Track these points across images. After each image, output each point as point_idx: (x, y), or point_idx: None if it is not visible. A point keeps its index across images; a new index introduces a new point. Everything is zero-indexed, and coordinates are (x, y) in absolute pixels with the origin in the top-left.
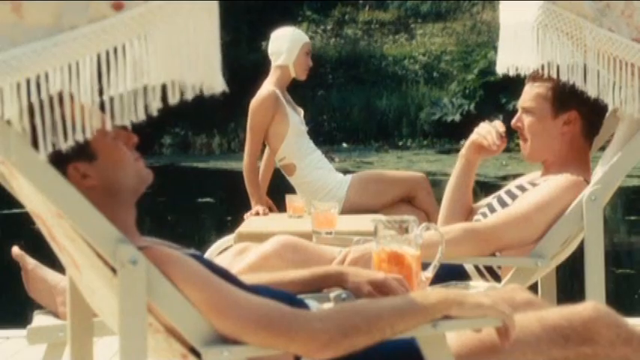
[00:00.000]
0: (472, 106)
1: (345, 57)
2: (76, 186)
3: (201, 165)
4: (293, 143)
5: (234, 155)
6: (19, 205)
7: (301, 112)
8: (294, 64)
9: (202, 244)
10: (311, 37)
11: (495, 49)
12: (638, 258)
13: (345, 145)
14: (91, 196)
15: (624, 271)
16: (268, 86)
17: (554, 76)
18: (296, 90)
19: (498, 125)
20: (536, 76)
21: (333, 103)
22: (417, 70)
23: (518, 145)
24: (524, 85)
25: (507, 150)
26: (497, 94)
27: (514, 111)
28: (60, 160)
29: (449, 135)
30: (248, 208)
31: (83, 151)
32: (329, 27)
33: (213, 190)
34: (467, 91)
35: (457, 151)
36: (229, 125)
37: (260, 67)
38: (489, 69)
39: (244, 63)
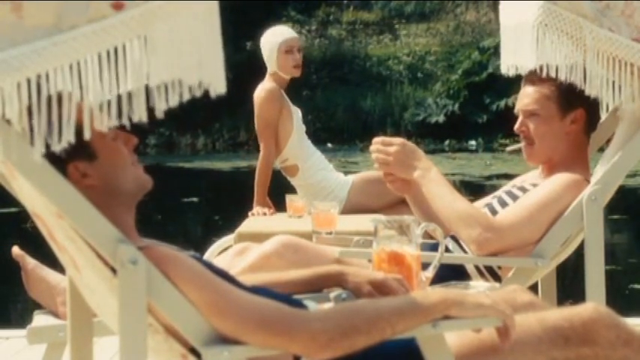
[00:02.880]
0: (456, 107)
1: (330, 57)
2: (75, 185)
3: (186, 165)
4: (297, 143)
5: (219, 155)
6: (9, 205)
7: (299, 111)
8: (279, 69)
9: (188, 243)
10: None
11: (479, 49)
12: (620, 255)
13: (329, 145)
14: (90, 195)
15: (610, 267)
16: (269, 83)
17: (554, 76)
18: None
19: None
20: (534, 78)
21: (317, 104)
22: (401, 70)
23: (502, 145)
24: (518, 85)
25: (491, 150)
26: (481, 95)
27: (498, 111)
28: (60, 159)
29: (433, 135)
30: (233, 207)
31: (83, 151)
32: (313, 27)
33: (198, 190)
34: (451, 91)
35: (441, 151)
36: (214, 125)
37: (244, 67)
38: (473, 69)
39: (229, 63)
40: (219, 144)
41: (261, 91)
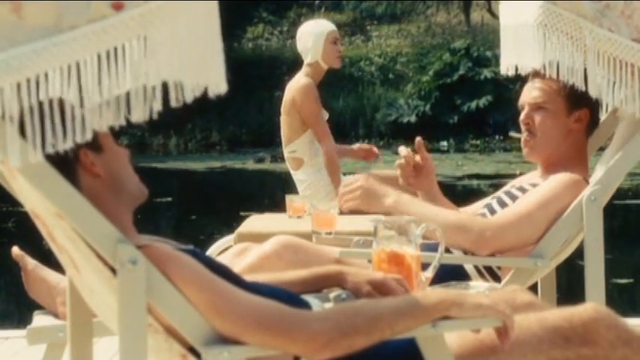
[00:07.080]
0: (428, 108)
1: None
2: (85, 172)
3: (159, 165)
4: (309, 140)
5: (192, 156)
6: None
7: (326, 114)
8: (323, 58)
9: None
10: (267, 39)
11: (450, 51)
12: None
13: None
14: (97, 186)
15: None
16: (305, 78)
17: (554, 76)
18: (254, 91)
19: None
20: (544, 73)
21: None
22: (372, 71)
23: (473, 146)
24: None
25: (462, 151)
26: (452, 96)
27: (469, 112)
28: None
29: (405, 136)
30: (209, 207)
31: (91, 142)
32: (285, 28)
33: (173, 190)
34: (422, 92)
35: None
36: (186, 126)
37: None
38: (444, 70)
39: None
40: (192, 144)
41: (302, 87)
